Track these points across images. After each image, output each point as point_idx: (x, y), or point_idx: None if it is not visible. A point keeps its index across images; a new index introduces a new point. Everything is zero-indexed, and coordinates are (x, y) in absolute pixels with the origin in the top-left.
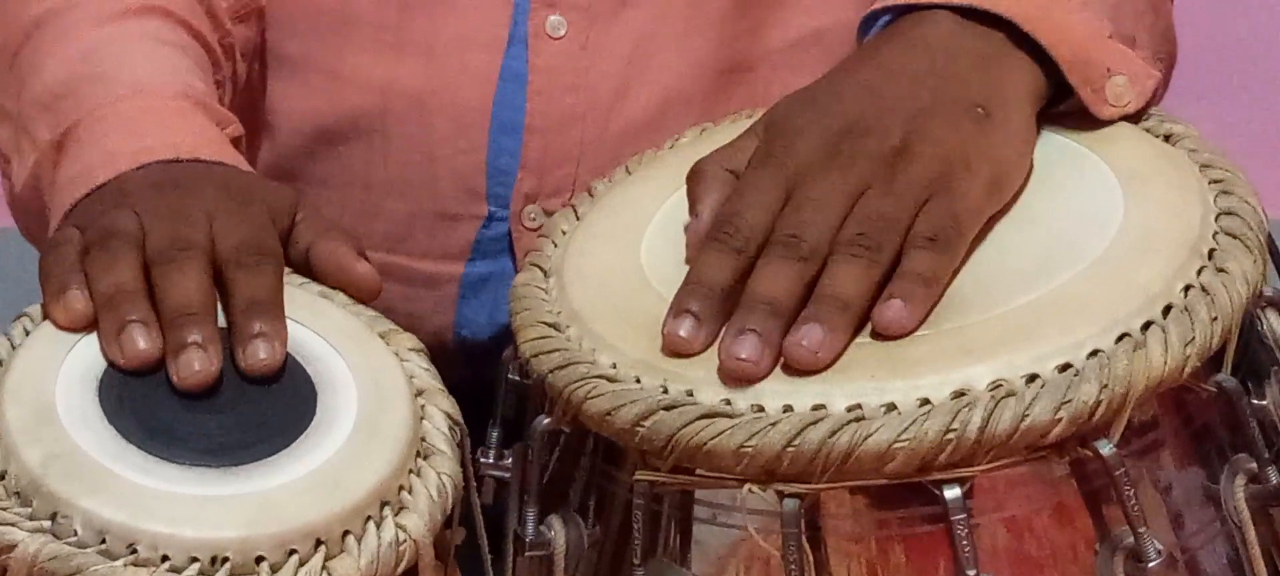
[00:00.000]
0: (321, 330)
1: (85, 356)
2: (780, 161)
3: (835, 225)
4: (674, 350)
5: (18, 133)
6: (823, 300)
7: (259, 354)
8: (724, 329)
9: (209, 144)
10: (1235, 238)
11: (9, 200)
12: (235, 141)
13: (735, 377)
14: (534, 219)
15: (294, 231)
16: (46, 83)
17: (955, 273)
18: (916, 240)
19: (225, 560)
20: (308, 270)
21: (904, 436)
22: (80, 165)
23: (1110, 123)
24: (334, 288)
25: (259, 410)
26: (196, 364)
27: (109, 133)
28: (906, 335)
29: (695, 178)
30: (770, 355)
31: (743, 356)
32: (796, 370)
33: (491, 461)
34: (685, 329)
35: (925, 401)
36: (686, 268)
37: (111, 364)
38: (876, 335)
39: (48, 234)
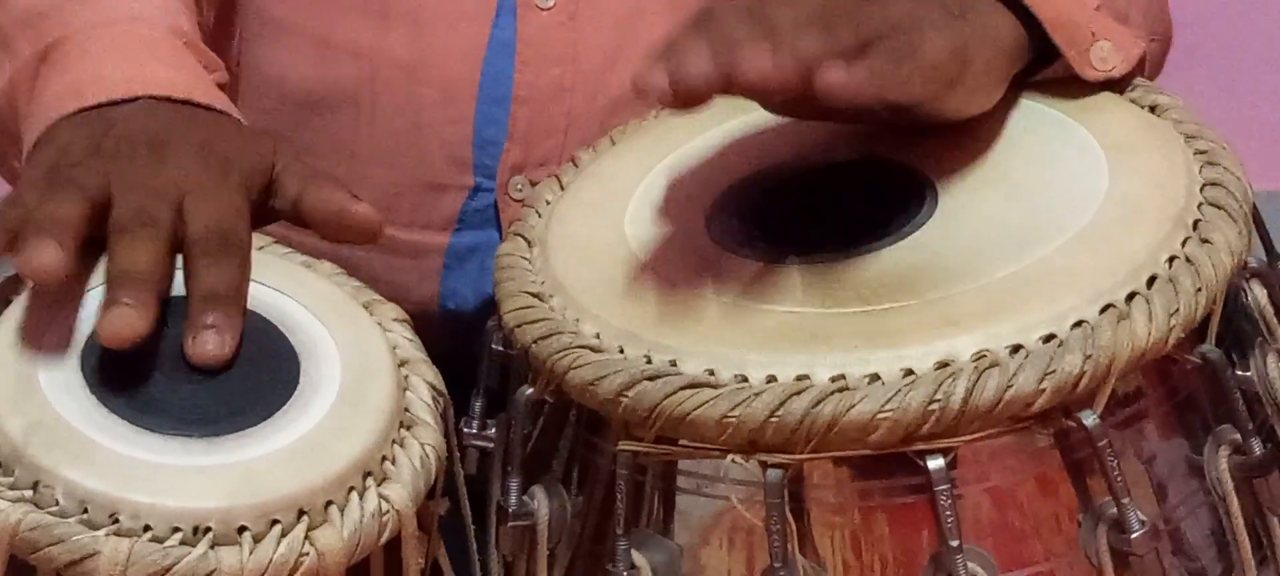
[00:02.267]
0: (305, 300)
1: (68, 325)
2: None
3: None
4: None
5: None
6: (775, 30)
7: (207, 346)
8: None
9: (201, 87)
10: (1220, 209)
11: None
12: (221, 88)
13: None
14: (520, 190)
15: (277, 182)
16: (31, 1)
17: (938, 242)
18: (875, 41)
19: (207, 530)
20: (298, 219)
21: (888, 406)
22: (68, 81)
23: (1095, 93)
24: (332, 234)
25: (242, 380)
26: (120, 321)
27: (102, 54)
28: (843, 102)
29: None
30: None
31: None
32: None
33: (475, 431)
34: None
35: (909, 371)
36: (670, 237)
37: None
38: (816, 90)
39: (16, 149)
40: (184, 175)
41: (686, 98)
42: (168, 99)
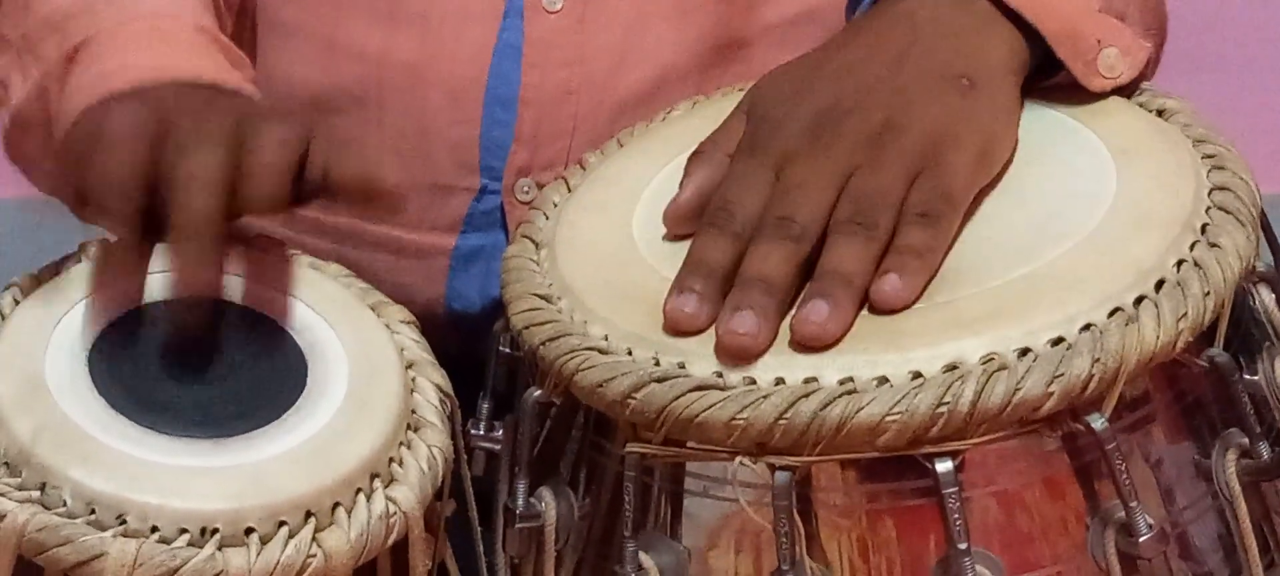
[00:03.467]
0: (312, 301)
1: (75, 327)
2: (765, 148)
3: (825, 205)
4: (676, 327)
5: (21, 54)
6: (825, 276)
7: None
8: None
9: (227, 76)
10: (1228, 212)
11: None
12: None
13: (733, 353)
14: (527, 192)
15: (309, 157)
16: (57, 5)
17: (949, 247)
18: (909, 216)
19: (215, 531)
20: (326, 188)
21: (896, 409)
22: (96, 72)
23: (1103, 97)
24: (359, 201)
25: (249, 381)
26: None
27: (127, 48)
28: (904, 309)
29: (693, 159)
30: (768, 330)
31: (741, 331)
32: (806, 346)
33: (482, 433)
34: (690, 305)
35: (917, 374)
36: (677, 241)
37: None
38: (872, 309)
39: (43, 148)
40: (233, 106)
41: (742, 357)
42: (195, 83)
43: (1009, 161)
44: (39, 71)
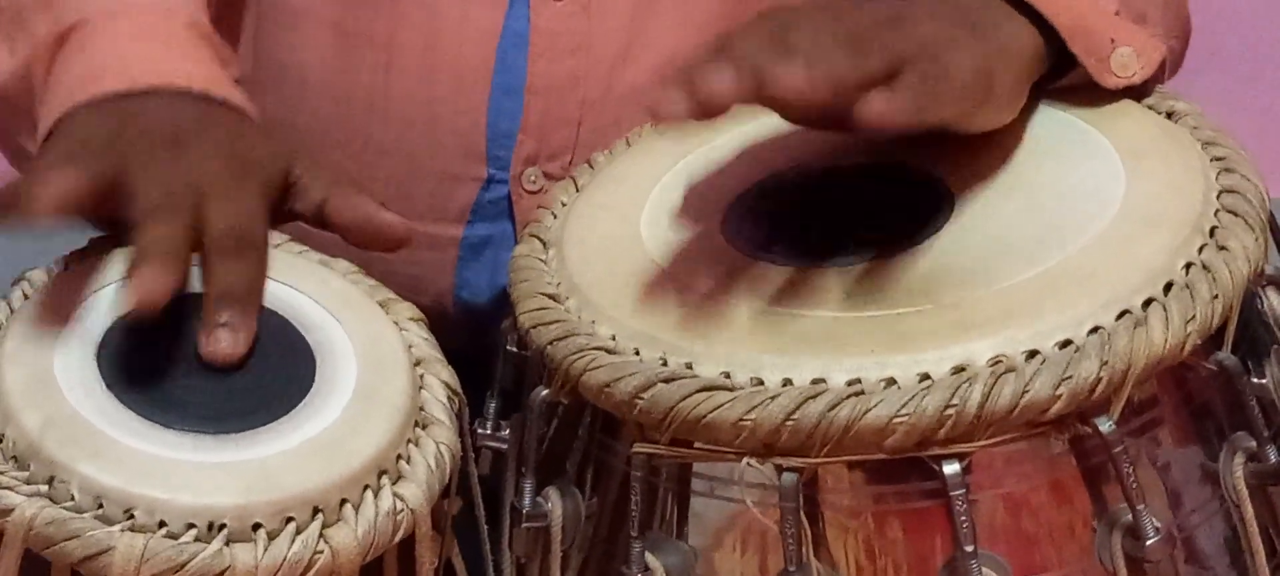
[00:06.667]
0: (321, 298)
1: (84, 321)
2: (773, 15)
3: (827, 40)
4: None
5: (10, 25)
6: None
7: (221, 343)
8: None
9: (218, 82)
10: (1237, 215)
11: None
12: (236, 83)
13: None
14: (534, 182)
15: (298, 186)
16: None
17: (955, 248)
18: (904, 65)
19: (222, 526)
20: (321, 223)
21: (903, 411)
22: (88, 63)
23: (1113, 99)
24: (358, 240)
25: (258, 377)
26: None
27: (123, 42)
28: (883, 129)
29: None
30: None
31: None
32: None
33: (489, 432)
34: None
35: (925, 376)
36: (687, 240)
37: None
38: (861, 123)
39: (30, 129)
40: (202, 173)
41: (707, 108)
42: (186, 92)
43: (1011, 147)
44: (27, 49)
